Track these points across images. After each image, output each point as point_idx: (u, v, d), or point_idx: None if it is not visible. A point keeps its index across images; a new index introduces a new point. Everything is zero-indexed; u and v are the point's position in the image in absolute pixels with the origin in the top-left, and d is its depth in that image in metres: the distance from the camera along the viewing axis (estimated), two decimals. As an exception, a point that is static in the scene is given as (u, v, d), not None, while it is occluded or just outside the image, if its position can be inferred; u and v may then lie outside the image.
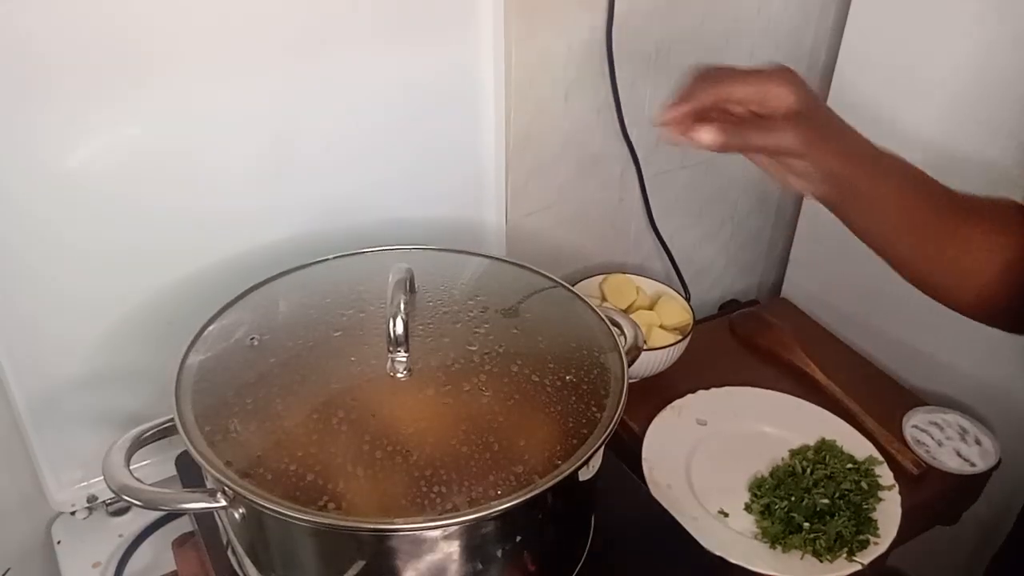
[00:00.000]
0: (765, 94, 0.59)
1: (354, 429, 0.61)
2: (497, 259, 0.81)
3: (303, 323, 0.72)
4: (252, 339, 0.69)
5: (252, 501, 0.55)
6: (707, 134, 0.58)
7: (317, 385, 0.65)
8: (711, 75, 0.60)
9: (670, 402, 0.99)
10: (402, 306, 0.62)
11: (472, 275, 0.79)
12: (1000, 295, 0.66)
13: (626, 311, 1.06)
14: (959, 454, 0.97)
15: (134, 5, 0.68)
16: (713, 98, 0.59)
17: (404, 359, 0.64)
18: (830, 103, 1.11)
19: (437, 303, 0.72)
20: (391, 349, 0.63)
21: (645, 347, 0.95)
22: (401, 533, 0.56)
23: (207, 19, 0.71)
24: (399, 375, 0.64)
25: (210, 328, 0.70)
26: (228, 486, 0.56)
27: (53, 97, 0.68)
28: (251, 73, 0.75)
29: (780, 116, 0.59)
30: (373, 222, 0.88)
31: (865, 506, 0.87)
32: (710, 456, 0.94)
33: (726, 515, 0.87)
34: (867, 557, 0.82)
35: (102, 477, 0.59)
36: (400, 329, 0.62)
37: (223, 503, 0.58)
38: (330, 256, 0.79)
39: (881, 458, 0.93)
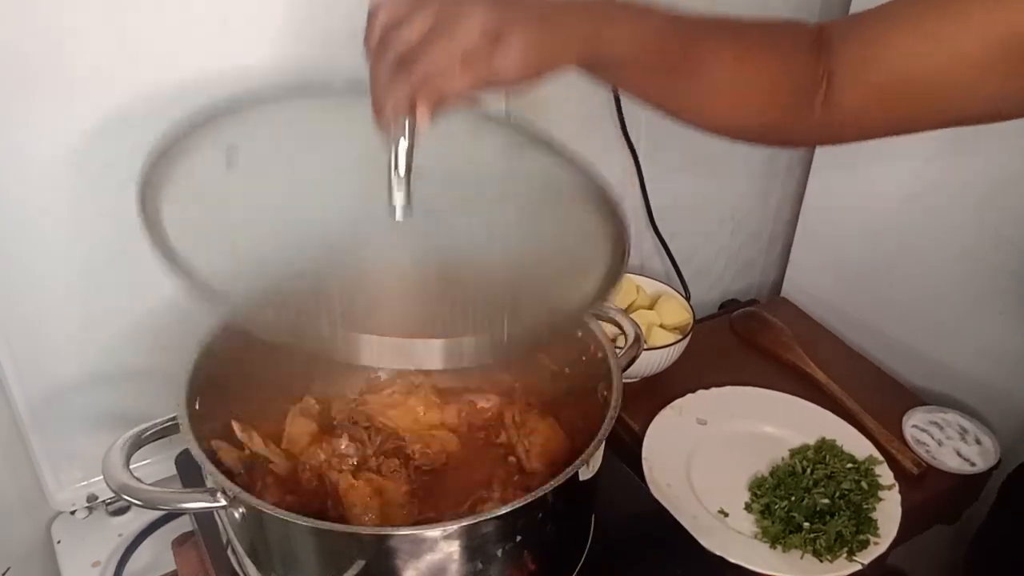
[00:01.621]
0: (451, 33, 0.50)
1: (355, 432, 0.62)
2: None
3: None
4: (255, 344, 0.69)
5: (254, 504, 0.55)
6: (424, 121, 0.51)
7: (320, 391, 0.65)
8: (389, 57, 0.51)
9: (670, 402, 0.99)
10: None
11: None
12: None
13: (626, 310, 1.06)
14: (959, 454, 0.97)
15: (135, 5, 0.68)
16: (411, 89, 0.51)
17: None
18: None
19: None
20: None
21: (645, 346, 0.95)
22: (401, 533, 0.56)
23: (202, 12, 0.71)
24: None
25: (214, 333, 0.70)
26: (228, 488, 0.56)
27: (54, 97, 0.68)
28: (255, 75, 0.75)
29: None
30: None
31: (865, 506, 0.87)
32: (710, 456, 0.94)
33: (726, 515, 0.87)
34: (867, 557, 0.82)
35: (102, 477, 0.59)
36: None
37: (223, 503, 0.58)
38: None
39: (881, 458, 0.93)
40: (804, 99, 0.61)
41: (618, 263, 0.57)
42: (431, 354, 0.49)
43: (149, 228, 0.52)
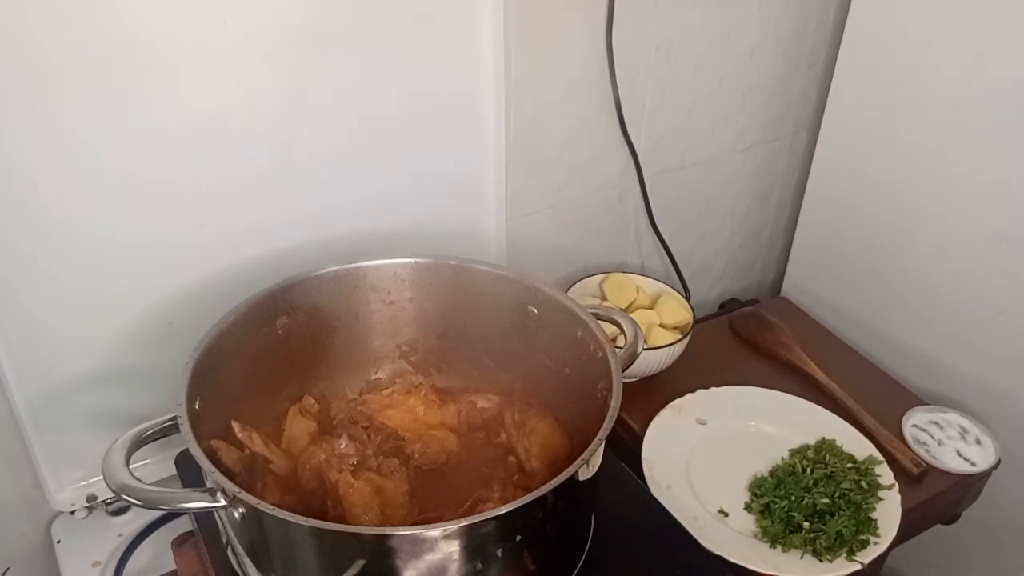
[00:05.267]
0: None
1: (355, 432, 0.62)
2: (496, 269, 0.80)
3: (303, 331, 0.72)
4: (255, 344, 0.69)
5: (254, 504, 0.55)
6: None
7: (319, 391, 0.65)
8: None
9: (670, 401, 0.99)
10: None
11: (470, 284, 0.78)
12: None
13: (626, 310, 1.06)
14: (959, 454, 0.96)
15: (137, 5, 0.68)
16: None
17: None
18: (830, 103, 1.12)
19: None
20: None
21: (645, 346, 0.95)
22: (401, 533, 0.56)
23: (210, 22, 0.71)
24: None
25: (214, 333, 0.70)
26: (228, 488, 0.56)
27: (61, 99, 0.68)
28: (254, 75, 0.76)
29: None
30: (373, 226, 0.88)
31: (865, 506, 0.87)
32: (710, 456, 0.93)
33: (726, 515, 0.87)
34: (867, 557, 0.82)
35: (102, 477, 0.59)
36: None
37: (223, 503, 0.58)
38: (330, 267, 0.78)
39: (881, 457, 0.93)
40: None
41: None
42: None
43: None
